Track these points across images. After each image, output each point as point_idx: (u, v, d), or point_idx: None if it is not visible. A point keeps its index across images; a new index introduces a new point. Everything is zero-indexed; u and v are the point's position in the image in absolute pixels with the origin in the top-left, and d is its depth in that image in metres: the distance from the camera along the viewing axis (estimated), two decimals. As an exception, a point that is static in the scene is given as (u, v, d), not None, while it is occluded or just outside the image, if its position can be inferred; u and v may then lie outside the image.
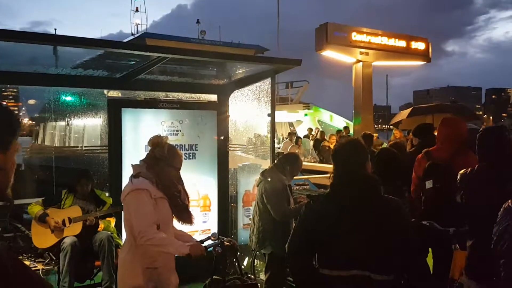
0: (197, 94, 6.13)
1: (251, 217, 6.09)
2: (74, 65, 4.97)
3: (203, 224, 5.71)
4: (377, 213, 2.32)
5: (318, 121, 21.30)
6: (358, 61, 10.97)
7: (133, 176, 3.01)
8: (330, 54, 10.67)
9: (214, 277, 3.22)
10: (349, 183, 2.37)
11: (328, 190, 2.51)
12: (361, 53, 10.83)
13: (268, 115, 5.65)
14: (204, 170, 5.75)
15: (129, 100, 5.51)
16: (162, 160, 3.00)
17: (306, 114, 21.22)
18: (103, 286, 4.63)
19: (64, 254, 4.45)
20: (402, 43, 11.52)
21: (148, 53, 4.59)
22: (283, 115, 20.39)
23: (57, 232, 4.60)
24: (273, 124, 5.72)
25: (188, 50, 5.19)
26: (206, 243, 3.11)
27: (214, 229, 5.62)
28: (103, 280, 4.64)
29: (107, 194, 5.15)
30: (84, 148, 6.61)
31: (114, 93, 6.45)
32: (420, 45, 11.88)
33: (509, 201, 2.07)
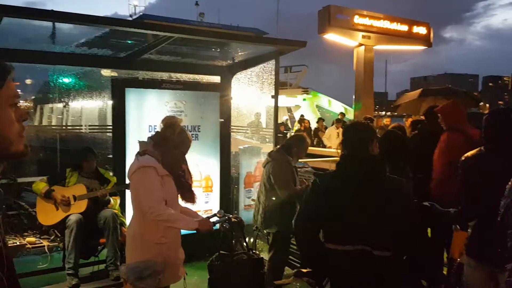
0: (200, 76, 6.14)
1: (252, 198, 6.17)
2: (79, 44, 4.96)
3: (205, 205, 5.77)
4: (381, 192, 2.39)
5: (317, 106, 21.31)
6: (360, 44, 10.93)
7: (139, 154, 3.02)
8: (333, 37, 10.63)
9: (221, 252, 3.28)
10: (354, 162, 2.44)
11: (334, 169, 2.58)
12: (363, 36, 10.78)
13: (272, 97, 5.67)
14: (207, 151, 5.79)
15: (133, 80, 5.51)
16: (170, 141, 3.01)
17: (304, 99, 21.18)
18: (107, 262, 4.69)
19: (70, 231, 4.49)
20: (404, 27, 11.47)
21: (156, 32, 4.58)
22: (281, 100, 20.30)
23: (62, 208, 4.64)
24: (276, 106, 5.75)
25: (196, 30, 5.20)
26: (212, 220, 3.16)
27: (216, 210, 5.68)
28: (107, 257, 4.69)
29: (111, 174, 5.18)
30: (88, 128, 6.63)
31: (107, 72, 6.42)
32: (421, 30, 11.85)
33: None
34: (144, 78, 5.55)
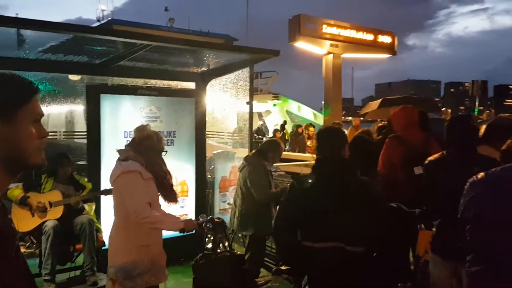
0: (175, 82, 6.21)
1: (228, 202, 6.29)
2: (53, 50, 4.95)
3: (180, 209, 5.83)
4: (353, 192, 2.57)
5: (287, 111, 21.59)
6: (329, 52, 11.28)
7: (121, 160, 3.12)
8: (302, 45, 10.91)
9: (205, 252, 3.40)
10: (328, 165, 2.62)
11: (310, 172, 2.75)
12: (331, 45, 11.12)
13: (247, 103, 5.81)
14: (182, 156, 5.85)
15: (108, 86, 5.53)
16: (149, 144, 3.13)
17: (275, 105, 21.43)
18: (84, 268, 4.71)
19: (46, 237, 4.48)
20: (369, 36, 11.94)
21: (134, 40, 4.63)
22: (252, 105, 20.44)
23: (38, 215, 4.63)
24: (251, 112, 5.89)
25: (173, 38, 5.29)
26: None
27: (192, 214, 5.77)
28: (84, 263, 4.71)
29: (86, 180, 5.19)
30: (62, 134, 6.58)
31: (75, 77, 6.41)
32: (386, 39, 12.34)
33: (474, 176, 2.34)
34: (115, 84, 5.57)
